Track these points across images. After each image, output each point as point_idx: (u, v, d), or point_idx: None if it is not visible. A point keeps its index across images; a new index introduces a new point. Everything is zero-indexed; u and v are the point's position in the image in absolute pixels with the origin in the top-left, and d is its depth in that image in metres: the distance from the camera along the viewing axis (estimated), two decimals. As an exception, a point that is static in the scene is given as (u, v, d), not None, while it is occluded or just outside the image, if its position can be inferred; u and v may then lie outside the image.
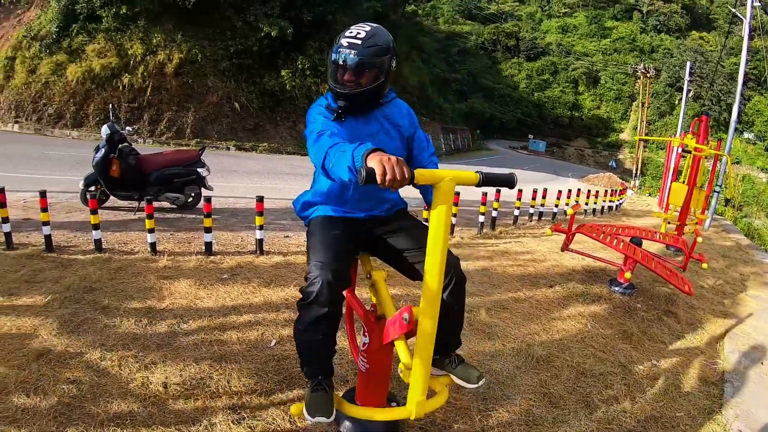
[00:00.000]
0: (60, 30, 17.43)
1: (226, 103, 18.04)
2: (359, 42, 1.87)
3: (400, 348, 1.90)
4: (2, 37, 19.27)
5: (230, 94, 18.17)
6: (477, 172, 1.69)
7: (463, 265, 5.49)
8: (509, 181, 1.76)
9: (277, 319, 3.53)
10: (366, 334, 2.13)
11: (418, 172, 1.57)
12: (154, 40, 17.47)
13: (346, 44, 1.88)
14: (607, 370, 3.34)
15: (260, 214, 4.94)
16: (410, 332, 1.85)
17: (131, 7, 17.36)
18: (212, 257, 4.73)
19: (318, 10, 19.24)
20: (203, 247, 4.87)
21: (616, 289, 4.92)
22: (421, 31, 46.79)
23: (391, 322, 1.96)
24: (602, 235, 5.08)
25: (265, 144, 17.79)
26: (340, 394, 2.27)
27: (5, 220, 4.49)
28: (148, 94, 16.98)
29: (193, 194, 6.54)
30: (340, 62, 1.89)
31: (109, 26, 17.47)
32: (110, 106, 7.19)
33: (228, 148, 16.98)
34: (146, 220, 4.62)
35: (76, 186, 6.50)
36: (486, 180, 1.71)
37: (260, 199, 5.00)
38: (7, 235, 4.52)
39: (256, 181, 9.78)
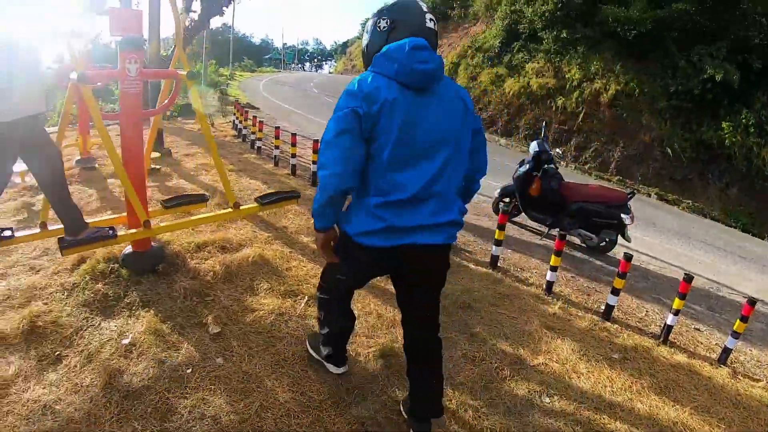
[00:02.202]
0: (502, 45, 19.67)
1: (657, 146, 16.08)
2: None
3: None
4: (450, 45, 23.59)
5: (663, 137, 16.13)
6: None
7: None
8: None
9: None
10: None
11: None
12: (592, 67, 17.24)
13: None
14: None
15: (683, 296, 3.75)
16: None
17: (572, 32, 17.72)
18: (608, 324, 3.91)
19: (772, 57, 14.95)
20: (602, 307, 4.12)
21: None
22: None
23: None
24: None
25: (689, 201, 14.94)
26: None
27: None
28: (580, 119, 16.97)
29: (607, 239, 5.79)
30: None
31: (548, 48, 18.27)
32: (544, 123, 7.13)
33: (648, 195, 15.12)
34: (552, 256, 4.20)
35: (491, 191, 6.76)
36: None
37: (689, 279, 3.73)
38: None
39: (674, 242, 8.02)
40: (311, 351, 2.72)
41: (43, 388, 2.39)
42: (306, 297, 3.38)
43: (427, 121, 1.81)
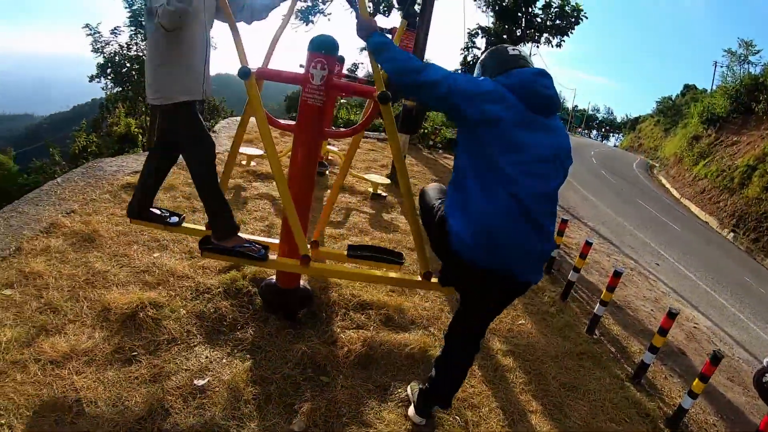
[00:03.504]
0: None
1: None
2: None
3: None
4: (749, 143, 19.19)
5: None
6: None
7: None
8: None
9: None
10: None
11: None
12: None
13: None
14: None
15: None
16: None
17: None
18: None
19: None
20: None
21: None
22: None
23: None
24: None
25: None
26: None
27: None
28: None
29: None
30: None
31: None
32: None
33: None
34: None
35: (757, 347, 5.02)
36: None
37: None
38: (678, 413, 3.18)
39: None
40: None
41: (94, 381, 2.11)
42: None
43: (535, 142, 1.80)
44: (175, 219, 2.76)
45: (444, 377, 2.13)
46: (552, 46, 11.67)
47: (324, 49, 2.32)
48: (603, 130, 74.88)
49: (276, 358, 2.42)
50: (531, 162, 1.77)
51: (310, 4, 9.76)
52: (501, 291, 1.93)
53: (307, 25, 9.96)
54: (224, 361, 2.35)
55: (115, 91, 20.54)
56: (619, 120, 73.99)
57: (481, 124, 1.77)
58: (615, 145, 54.45)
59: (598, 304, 3.87)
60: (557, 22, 11.28)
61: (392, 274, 2.60)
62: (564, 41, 11.67)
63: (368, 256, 2.77)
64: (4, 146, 29.30)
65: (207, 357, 2.35)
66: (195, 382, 2.18)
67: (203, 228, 2.84)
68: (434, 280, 2.53)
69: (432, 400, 2.18)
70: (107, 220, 3.54)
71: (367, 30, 1.99)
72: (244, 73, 2.14)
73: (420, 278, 2.48)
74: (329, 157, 6.79)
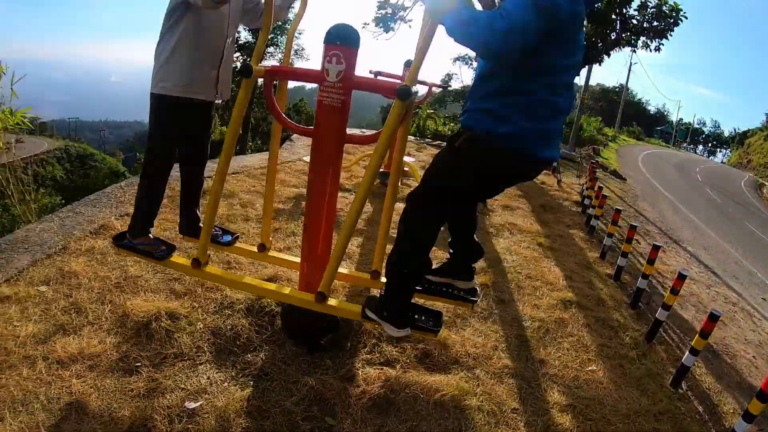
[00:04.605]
0: None
1: None
2: None
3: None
4: None
5: None
6: None
7: None
8: None
9: None
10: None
11: None
12: None
13: None
14: None
15: None
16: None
17: None
18: None
19: None
20: None
21: None
22: None
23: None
24: None
25: None
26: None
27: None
28: None
29: None
30: None
31: None
32: None
33: None
34: None
35: None
36: None
37: None
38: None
39: None
40: (369, 314, 2.05)
41: (90, 387, 2.03)
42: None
43: (582, 42, 1.80)
44: (228, 237, 2.64)
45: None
46: (650, 51, 10.62)
47: (340, 40, 1.99)
48: (709, 145, 68.78)
49: (281, 389, 2.13)
50: (577, 65, 1.81)
51: (390, 11, 9.63)
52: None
53: (387, 33, 9.83)
54: (225, 384, 2.11)
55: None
56: (726, 134, 67.62)
57: (566, 25, 1.65)
58: (722, 161, 49.77)
59: (687, 352, 3.16)
60: (654, 23, 10.24)
61: (285, 291, 2.23)
62: (662, 44, 10.57)
63: (441, 292, 2.33)
64: (113, 150, 32.17)
65: (209, 378, 2.13)
66: (186, 404, 1.96)
67: (255, 249, 2.62)
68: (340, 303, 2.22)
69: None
70: (157, 225, 3.48)
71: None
72: (246, 70, 1.90)
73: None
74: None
